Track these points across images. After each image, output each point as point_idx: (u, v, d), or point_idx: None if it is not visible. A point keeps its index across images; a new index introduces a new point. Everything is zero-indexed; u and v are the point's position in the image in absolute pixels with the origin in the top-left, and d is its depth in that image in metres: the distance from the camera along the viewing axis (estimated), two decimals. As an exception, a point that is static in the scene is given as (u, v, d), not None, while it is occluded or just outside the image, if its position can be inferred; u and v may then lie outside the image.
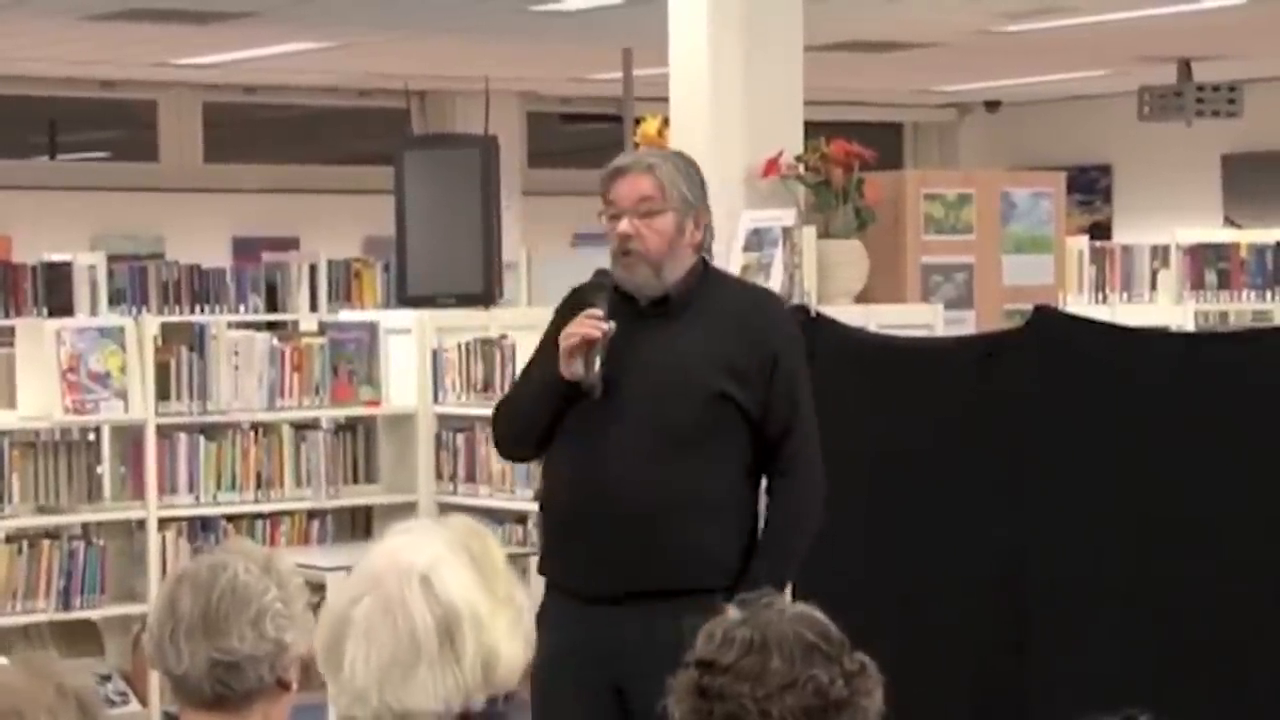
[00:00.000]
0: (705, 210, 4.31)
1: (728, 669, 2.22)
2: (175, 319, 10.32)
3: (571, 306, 4.36)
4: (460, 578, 2.53)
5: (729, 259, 6.48)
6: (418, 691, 2.47)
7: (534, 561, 6.84)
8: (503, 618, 2.54)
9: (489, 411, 7.26)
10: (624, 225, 4.22)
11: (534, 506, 7.15)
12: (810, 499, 4.28)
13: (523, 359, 7.26)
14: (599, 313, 4.21)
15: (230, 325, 7.71)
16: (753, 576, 4.13)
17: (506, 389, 7.30)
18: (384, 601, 2.51)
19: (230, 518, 7.22)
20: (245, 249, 14.43)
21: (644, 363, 4.21)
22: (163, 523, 7.05)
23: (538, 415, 4.31)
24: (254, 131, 16.52)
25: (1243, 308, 10.03)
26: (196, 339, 7.14)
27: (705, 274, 4.32)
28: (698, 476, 4.20)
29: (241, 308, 11.08)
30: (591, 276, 4.35)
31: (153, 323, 7.27)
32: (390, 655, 2.49)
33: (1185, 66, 14.45)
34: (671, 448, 4.19)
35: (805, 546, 4.28)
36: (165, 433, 7.08)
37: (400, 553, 2.55)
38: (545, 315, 7.52)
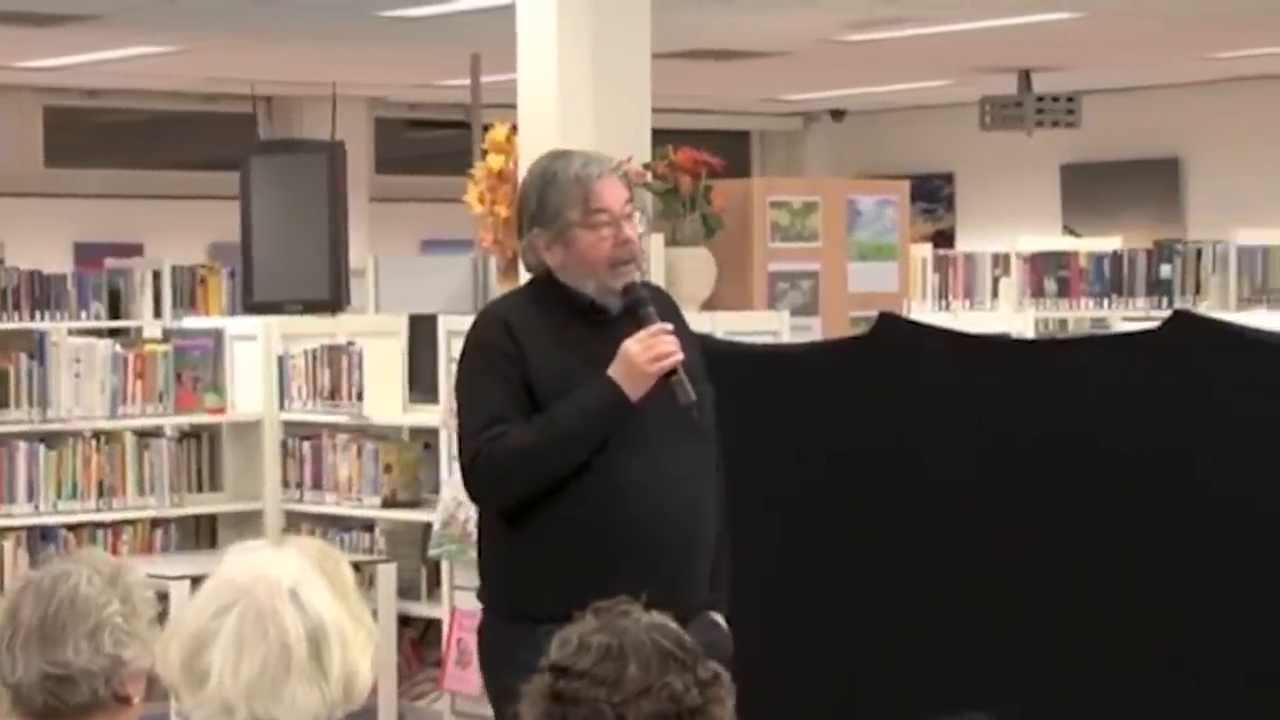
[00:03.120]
0: None
1: (584, 674, 2.23)
2: (15, 326, 10.20)
3: (500, 337, 4.00)
4: (323, 595, 2.52)
5: (577, 266, 6.49)
6: (287, 703, 2.46)
7: (382, 569, 6.88)
8: (359, 637, 2.54)
9: (337, 418, 7.32)
10: (630, 231, 4.02)
11: (382, 513, 7.14)
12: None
13: (371, 365, 7.28)
14: (669, 326, 3.99)
15: (71, 332, 7.62)
16: (720, 579, 4.12)
17: (354, 398, 7.33)
18: (255, 611, 2.49)
19: (71, 527, 7.13)
20: (87, 255, 14.23)
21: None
22: (1, 532, 6.94)
23: (585, 450, 3.93)
24: (96, 136, 16.29)
25: (1081, 315, 10.20)
26: (36, 346, 7.04)
27: None
28: (713, 482, 4.14)
29: (83, 314, 10.95)
30: (633, 292, 4.01)
31: (-8, 329, 7.17)
32: (261, 665, 2.47)
33: (1025, 77, 14.67)
34: (705, 459, 4.09)
35: None
36: (4, 441, 6.97)
37: (266, 566, 2.54)
38: (393, 322, 7.55)
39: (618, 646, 2.24)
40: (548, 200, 4.01)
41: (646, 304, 4.00)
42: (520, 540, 4.03)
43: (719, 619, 4.12)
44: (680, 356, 3.94)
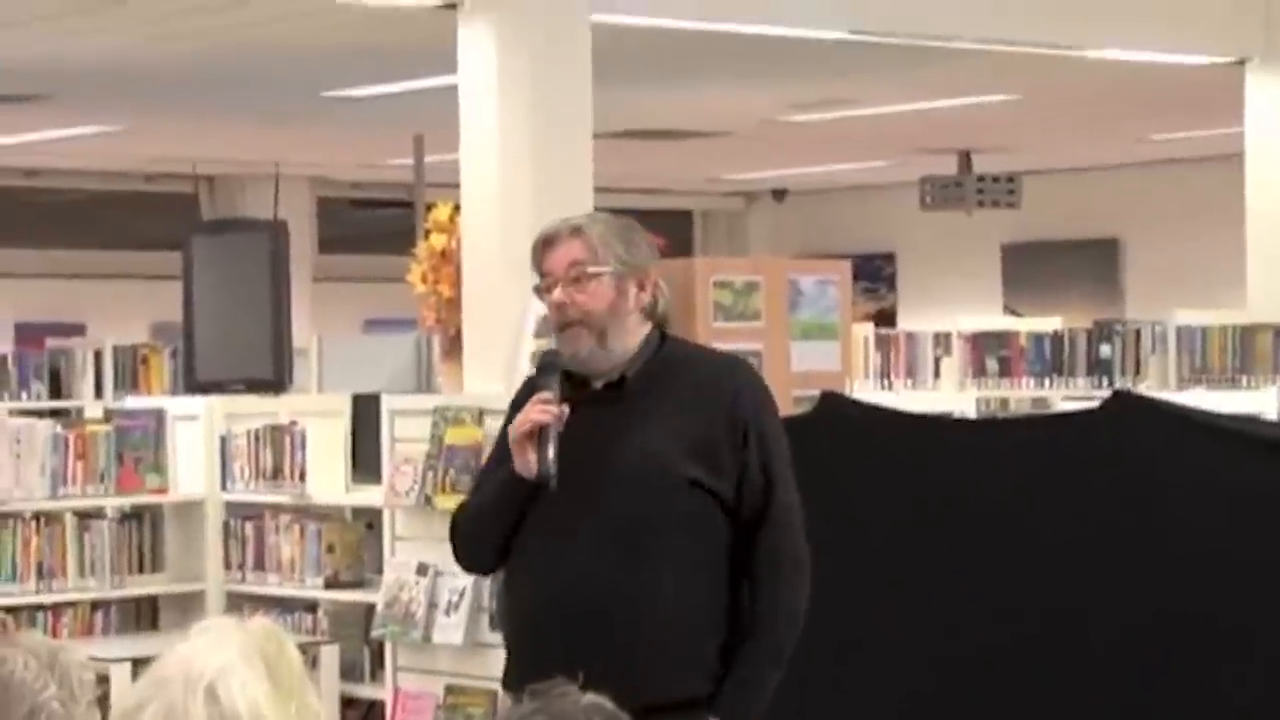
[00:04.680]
0: (651, 271, 3.92)
1: (525, 754, 2.24)
2: (-46, 406, 10.11)
3: (527, 396, 3.90)
4: (249, 689, 2.47)
5: (520, 346, 6.51)
6: None
7: (325, 651, 6.85)
8: None
9: (279, 499, 7.30)
10: (557, 294, 3.86)
11: (325, 594, 7.12)
12: (795, 592, 3.88)
13: (314, 445, 7.28)
14: (549, 395, 3.80)
15: (12, 413, 7.58)
16: (738, 679, 3.81)
17: (297, 478, 7.31)
18: (166, 710, 2.45)
19: (10, 609, 7.06)
20: (28, 335, 14.17)
21: (599, 450, 3.79)
22: (-60, 615, 6.88)
23: (498, 521, 3.87)
24: (37, 215, 16.25)
25: (1023, 394, 10.25)
26: (-23, 426, 7.00)
27: (662, 344, 3.91)
28: (666, 573, 3.79)
29: (24, 395, 10.89)
30: (540, 357, 3.94)
31: (-69, 410, 7.12)
32: None
33: (965, 158, 14.81)
34: (633, 543, 3.79)
35: (792, 643, 3.87)
36: (-57, 522, 6.92)
37: (191, 660, 2.50)
38: (336, 402, 7.54)
39: (558, 727, 2.25)
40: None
41: (545, 373, 3.87)
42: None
43: None
44: (537, 422, 3.77)
